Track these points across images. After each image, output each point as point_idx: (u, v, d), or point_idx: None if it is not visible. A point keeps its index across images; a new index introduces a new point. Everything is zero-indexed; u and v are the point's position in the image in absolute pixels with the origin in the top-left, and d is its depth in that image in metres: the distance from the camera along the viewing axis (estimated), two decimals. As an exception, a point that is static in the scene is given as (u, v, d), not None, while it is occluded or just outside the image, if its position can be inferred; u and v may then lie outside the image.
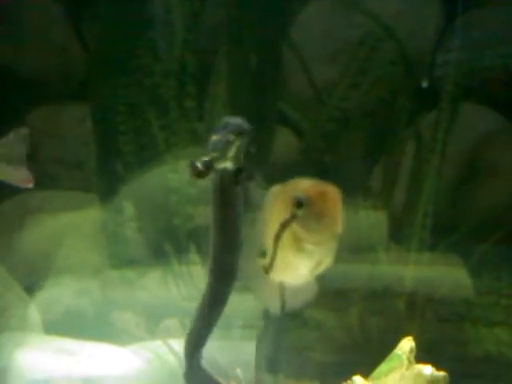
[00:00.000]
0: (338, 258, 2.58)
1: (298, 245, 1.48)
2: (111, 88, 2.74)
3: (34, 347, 2.53)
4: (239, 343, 2.56)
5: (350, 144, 2.66)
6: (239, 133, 1.52)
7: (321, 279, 2.60)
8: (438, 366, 1.59)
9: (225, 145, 1.52)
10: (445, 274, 2.59)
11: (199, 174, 1.53)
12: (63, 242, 2.79)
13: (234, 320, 2.56)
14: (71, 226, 2.83)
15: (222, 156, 1.54)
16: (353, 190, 2.60)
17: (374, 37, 2.66)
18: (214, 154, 1.53)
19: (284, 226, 1.48)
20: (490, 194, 2.69)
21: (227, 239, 1.58)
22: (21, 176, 1.72)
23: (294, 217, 1.45)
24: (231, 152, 1.54)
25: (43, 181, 2.77)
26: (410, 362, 1.59)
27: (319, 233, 1.44)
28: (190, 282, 2.66)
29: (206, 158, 1.54)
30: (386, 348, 1.65)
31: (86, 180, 2.87)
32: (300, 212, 1.44)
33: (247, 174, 1.57)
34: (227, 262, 1.60)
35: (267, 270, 1.54)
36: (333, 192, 1.44)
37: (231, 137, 1.51)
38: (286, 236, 1.48)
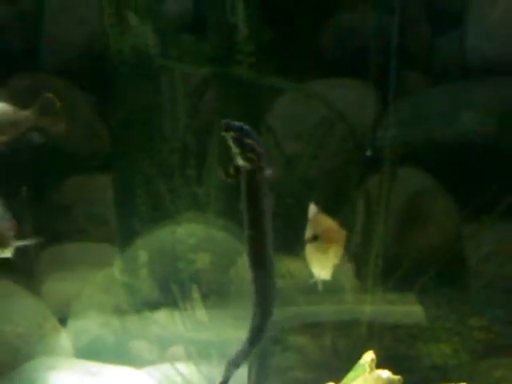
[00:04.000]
0: (312, 299, 2.87)
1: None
2: (130, 162, 2.94)
3: (65, 370, 2.66)
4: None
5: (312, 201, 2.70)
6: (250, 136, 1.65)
7: (302, 314, 2.86)
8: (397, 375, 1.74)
9: (256, 150, 1.64)
10: (397, 303, 2.80)
11: (231, 177, 1.69)
12: (91, 285, 2.96)
13: (229, 349, 2.72)
14: (97, 272, 2.99)
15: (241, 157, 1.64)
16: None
17: (329, 120, 2.95)
18: (245, 156, 1.65)
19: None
20: (424, 237, 2.91)
21: (257, 229, 1.69)
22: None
23: (308, 242, 1.81)
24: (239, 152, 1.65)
25: (76, 236, 3.11)
26: (371, 369, 1.75)
27: (323, 260, 1.81)
28: (192, 316, 2.79)
29: (236, 164, 1.67)
30: (352, 364, 1.81)
31: (110, 234, 3.02)
32: (313, 243, 1.79)
33: (267, 172, 1.66)
34: (261, 250, 1.69)
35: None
36: (339, 235, 1.81)
37: (249, 140, 1.64)
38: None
